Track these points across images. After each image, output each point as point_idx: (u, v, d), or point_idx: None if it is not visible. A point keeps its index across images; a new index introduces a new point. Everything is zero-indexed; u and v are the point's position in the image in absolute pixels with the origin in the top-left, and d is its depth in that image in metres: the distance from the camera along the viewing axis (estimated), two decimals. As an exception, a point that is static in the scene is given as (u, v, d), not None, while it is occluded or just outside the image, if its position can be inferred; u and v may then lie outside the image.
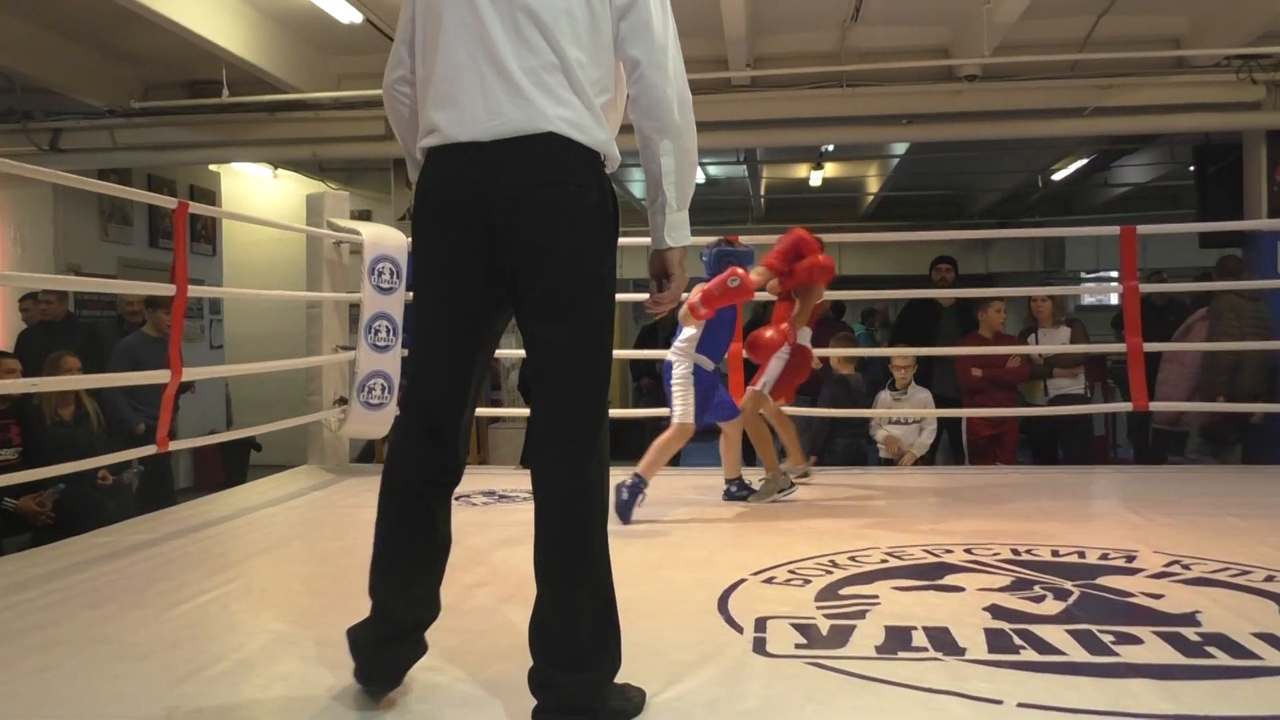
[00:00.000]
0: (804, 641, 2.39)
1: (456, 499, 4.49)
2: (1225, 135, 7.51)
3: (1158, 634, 2.38)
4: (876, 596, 2.76)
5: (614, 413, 6.71)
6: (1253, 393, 5.83)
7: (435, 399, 1.99)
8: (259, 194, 10.41)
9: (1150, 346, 5.15)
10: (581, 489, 1.93)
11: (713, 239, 4.30)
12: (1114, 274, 12.63)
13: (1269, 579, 2.89)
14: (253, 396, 9.27)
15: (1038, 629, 2.43)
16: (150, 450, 4.29)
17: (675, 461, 7.82)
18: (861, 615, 2.57)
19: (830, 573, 3.04)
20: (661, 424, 7.89)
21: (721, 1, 5.70)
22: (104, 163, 7.76)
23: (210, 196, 9.52)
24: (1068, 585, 2.84)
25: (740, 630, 2.48)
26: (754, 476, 4.41)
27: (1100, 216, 12.58)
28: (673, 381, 4.12)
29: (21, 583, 3.03)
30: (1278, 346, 5.74)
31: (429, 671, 2.20)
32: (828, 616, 2.57)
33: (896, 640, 2.37)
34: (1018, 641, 2.34)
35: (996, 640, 2.35)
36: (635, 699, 1.99)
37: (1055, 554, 3.26)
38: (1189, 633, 2.39)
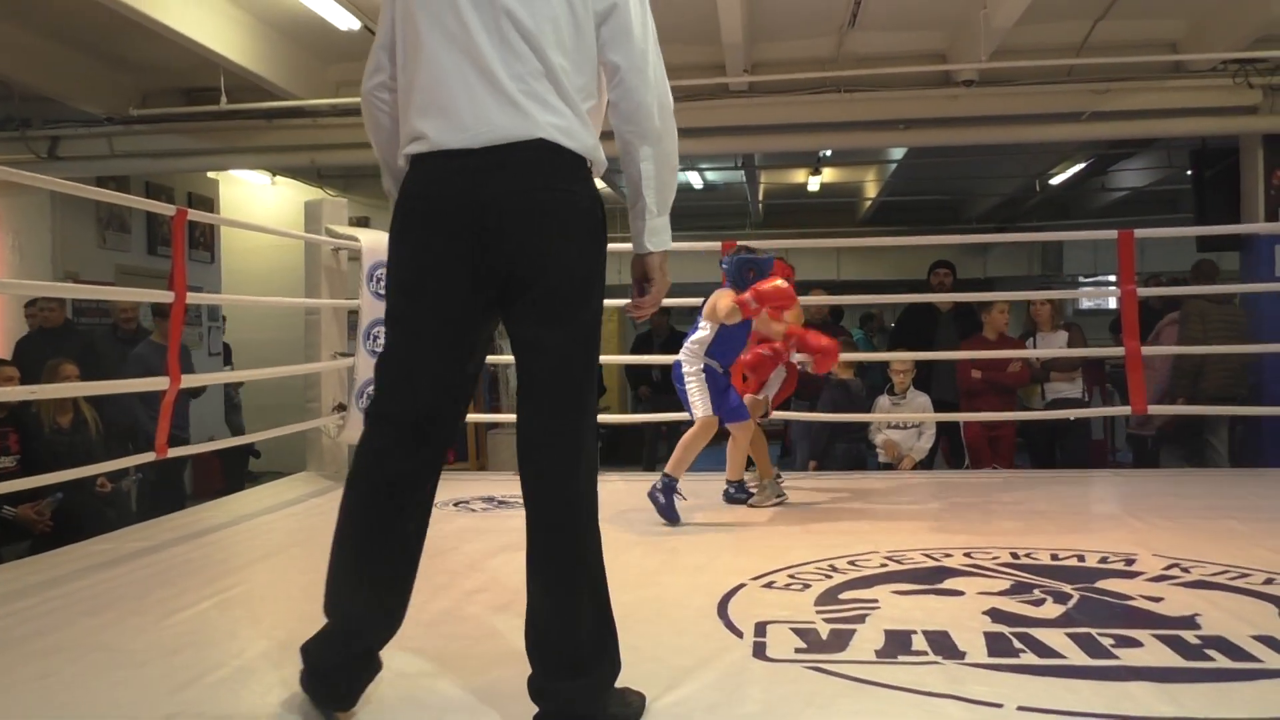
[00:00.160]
0: (804, 646, 2.39)
1: (455, 505, 4.50)
2: (1222, 139, 7.52)
3: (1157, 637, 2.38)
4: (876, 601, 2.76)
5: (614, 418, 6.70)
6: (1220, 396, 5.84)
7: (425, 409, 1.95)
8: (257, 201, 10.42)
9: (1148, 350, 5.16)
10: (576, 493, 1.93)
11: (703, 245, 4.32)
12: (1112, 278, 12.64)
13: (1268, 582, 2.90)
14: (251, 403, 9.27)
15: (1037, 632, 2.43)
16: (149, 457, 4.28)
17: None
18: (861, 619, 2.57)
19: (830, 577, 3.05)
20: (661, 430, 7.92)
21: (719, 7, 5.71)
22: (102, 170, 7.76)
23: (209, 204, 9.52)
24: (1067, 589, 2.84)
25: (740, 635, 2.48)
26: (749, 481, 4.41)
27: (1098, 221, 12.59)
28: (686, 380, 4.10)
29: (20, 590, 3.02)
30: (1244, 350, 5.77)
31: (428, 677, 2.20)
32: (827, 621, 2.57)
33: (896, 644, 2.37)
34: (1017, 645, 2.34)
35: (996, 644, 2.35)
36: (635, 703, 1.98)
37: (1055, 558, 3.26)
38: (1188, 635, 2.39)
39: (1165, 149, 10.26)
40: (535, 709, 1.91)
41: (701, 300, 4.21)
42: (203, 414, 8.61)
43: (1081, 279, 15.17)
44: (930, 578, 3.01)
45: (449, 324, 1.94)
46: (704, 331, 4.10)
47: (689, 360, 4.12)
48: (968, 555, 3.30)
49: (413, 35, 1.94)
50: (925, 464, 5.73)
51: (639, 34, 1.99)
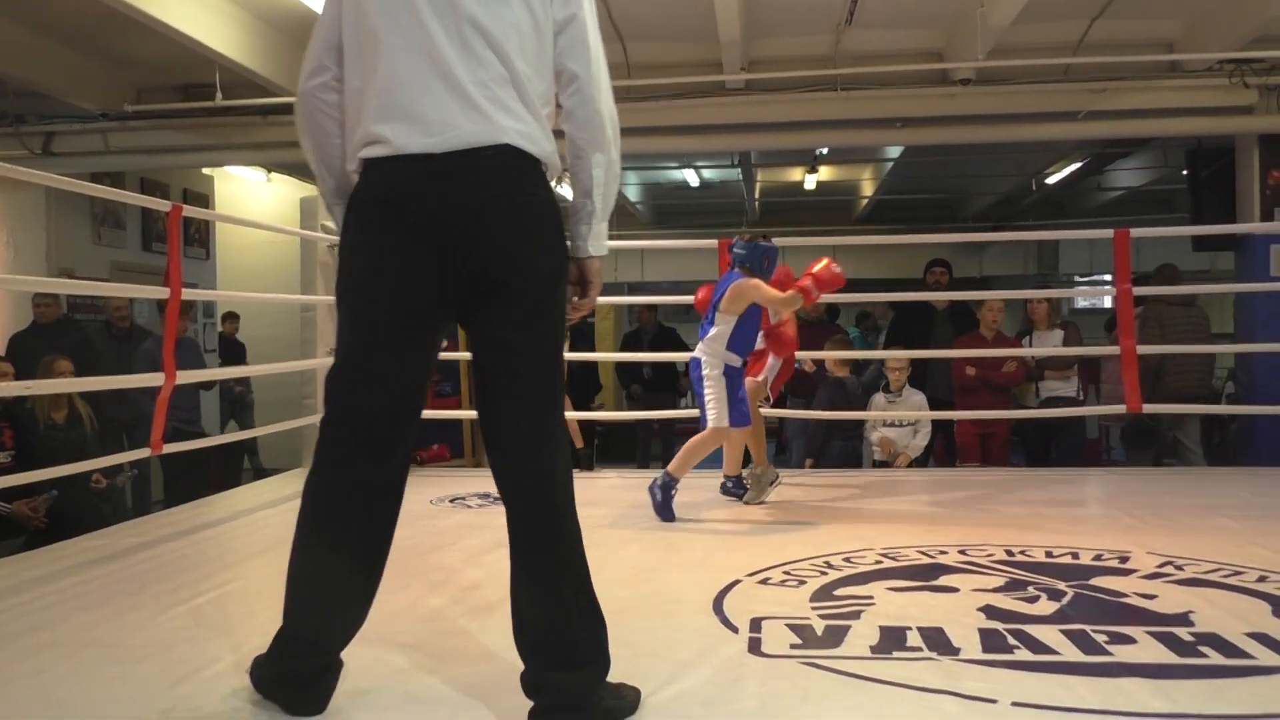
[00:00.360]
0: (799, 642, 2.39)
1: (451, 501, 4.50)
2: (1218, 139, 7.53)
3: (1151, 634, 2.39)
4: (871, 597, 2.77)
5: (608, 416, 6.68)
6: (1184, 395, 5.86)
7: (390, 414, 1.96)
8: (252, 197, 10.39)
9: (1143, 349, 5.17)
10: (554, 487, 1.96)
11: (700, 243, 4.31)
12: (1107, 277, 12.66)
13: (1261, 579, 2.91)
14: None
15: (1032, 629, 2.43)
16: (144, 453, 4.28)
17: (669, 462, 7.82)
18: (856, 615, 2.58)
19: (825, 574, 3.05)
20: (654, 427, 7.91)
21: (716, 4, 5.71)
22: (97, 166, 7.73)
23: (204, 200, 9.50)
24: (1061, 586, 2.85)
25: (736, 631, 2.48)
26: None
27: (1094, 220, 12.62)
28: (705, 384, 4.04)
29: (15, 586, 3.02)
30: (1203, 350, 5.80)
31: (424, 672, 2.20)
32: (823, 617, 2.58)
33: (891, 640, 2.37)
34: (1012, 641, 2.35)
35: (991, 640, 2.36)
36: (630, 698, 1.99)
37: (1049, 555, 3.27)
38: (1182, 632, 2.40)
39: (1161, 148, 10.28)
40: (529, 704, 1.92)
41: (709, 296, 4.19)
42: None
43: (1077, 278, 15.20)
44: (925, 574, 3.02)
45: (411, 328, 1.94)
46: (722, 326, 4.06)
47: (711, 361, 4.05)
48: (963, 552, 3.31)
49: (367, 38, 1.92)
50: (921, 461, 5.74)
51: (594, 45, 2.03)
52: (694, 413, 5.35)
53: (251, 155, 8.38)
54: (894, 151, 10.42)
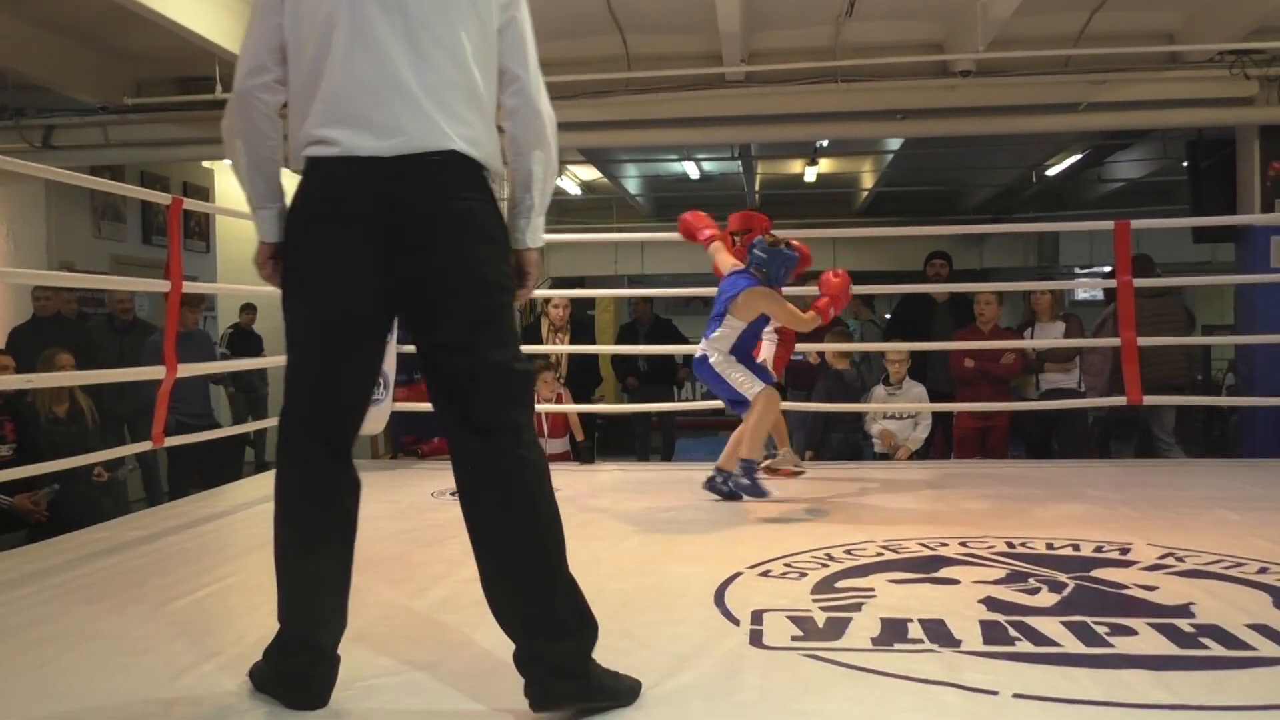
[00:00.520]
0: (800, 634, 2.39)
1: (451, 495, 4.51)
2: (1218, 130, 7.52)
3: (1152, 625, 2.39)
4: (872, 589, 2.77)
5: (607, 409, 6.66)
6: (1163, 386, 5.83)
7: (344, 414, 2.03)
8: (252, 190, 10.36)
9: (1144, 341, 5.16)
10: (535, 474, 1.99)
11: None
12: (1107, 269, 12.66)
13: (1262, 571, 2.91)
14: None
15: (1033, 621, 2.44)
16: (145, 446, 4.28)
17: (670, 456, 7.83)
18: (857, 608, 2.58)
19: (826, 566, 3.05)
20: (652, 420, 7.89)
21: (716, -3, 5.70)
22: (97, 160, 7.72)
23: (204, 193, 9.49)
24: (1062, 578, 2.85)
25: (737, 623, 2.49)
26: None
27: (1094, 212, 12.59)
28: (724, 369, 4.04)
29: (17, 579, 3.03)
30: (1183, 341, 5.82)
31: (429, 664, 2.21)
32: (824, 609, 2.58)
33: (892, 632, 2.38)
34: (1013, 633, 2.35)
35: (992, 632, 2.36)
36: (626, 684, 2.00)
37: (1050, 547, 3.28)
38: (1183, 624, 2.40)
39: (1161, 140, 10.27)
40: (517, 694, 1.92)
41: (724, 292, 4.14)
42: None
43: (1077, 270, 15.18)
44: (926, 566, 3.02)
45: (361, 329, 1.99)
46: (729, 330, 4.05)
47: (716, 352, 4.06)
48: (963, 544, 3.31)
49: (315, 41, 1.93)
50: (921, 454, 5.74)
51: (532, 45, 2.10)
52: (695, 405, 5.35)
53: (251, 148, 8.35)
54: (894, 143, 10.41)
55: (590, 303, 13.40)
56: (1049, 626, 2.39)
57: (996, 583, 2.81)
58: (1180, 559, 3.07)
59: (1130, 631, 2.34)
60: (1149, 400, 5.26)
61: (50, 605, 2.77)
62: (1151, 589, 2.73)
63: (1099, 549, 3.23)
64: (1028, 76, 6.85)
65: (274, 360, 5.48)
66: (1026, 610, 2.54)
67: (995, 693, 1.99)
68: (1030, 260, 14.99)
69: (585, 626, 1.97)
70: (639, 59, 6.92)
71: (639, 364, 7.81)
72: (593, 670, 1.94)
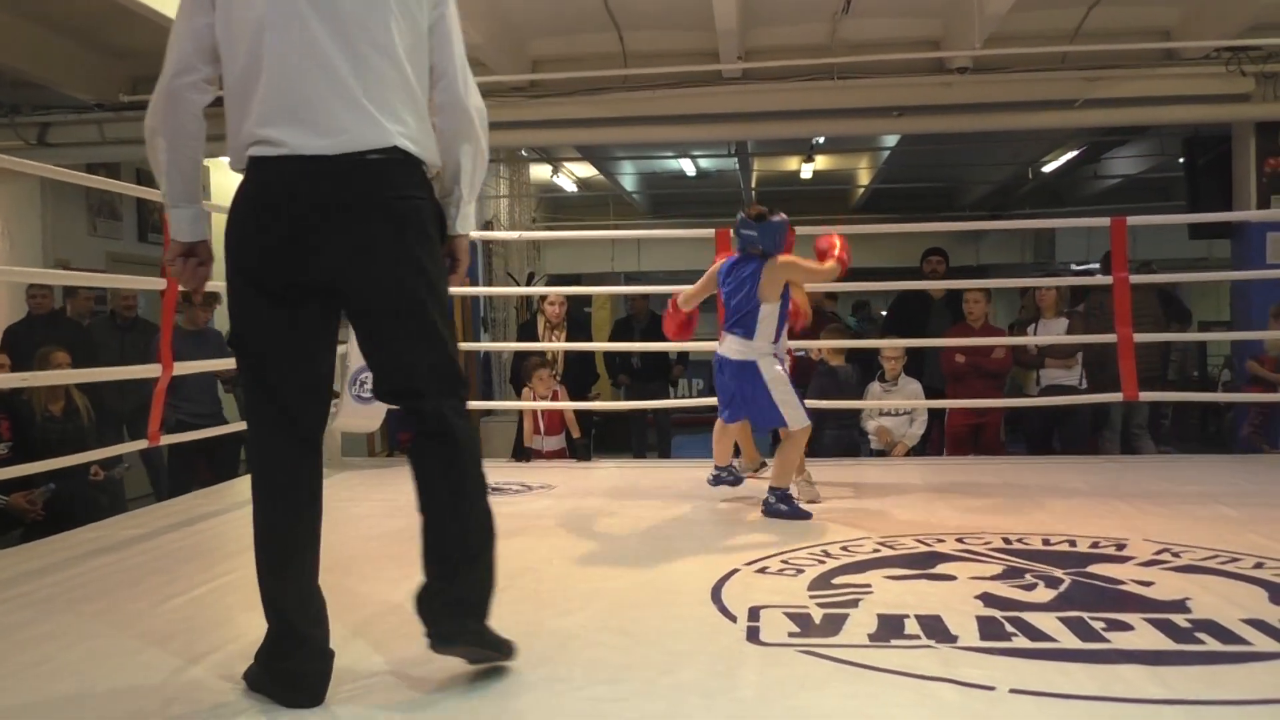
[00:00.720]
0: (797, 630, 2.40)
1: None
2: (1214, 127, 7.54)
3: (1148, 620, 2.39)
4: (869, 585, 2.77)
5: (603, 406, 6.61)
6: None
7: (309, 406, 2.06)
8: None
9: (1140, 337, 5.17)
10: (471, 452, 2.10)
11: (696, 232, 4.21)
12: (1085, 266, 12.71)
13: (1258, 566, 2.91)
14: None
15: (1029, 616, 2.44)
16: (141, 444, 4.28)
17: (667, 454, 7.83)
18: (854, 604, 2.58)
19: (823, 562, 3.06)
20: (648, 417, 7.87)
21: (712, -6, 5.71)
22: (92, 157, 7.72)
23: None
24: (1059, 573, 2.85)
25: (734, 620, 2.49)
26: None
27: (1090, 208, 12.61)
28: (773, 386, 3.77)
29: (13, 578, 3.02)
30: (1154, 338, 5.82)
31: (426, 661, 2.20)
32: (821, 605, 2.59)
33: (889, 628, 2.38)
34: (1009, 629, 2.35)
35: (988, 628, 2.36)
36: (508, 642, 2.10)
37: (1046, 543, 3.28)
38: (1179, 619, 2.41)
39: (1158, 137, 10.29)
40: (532, 695, 1.92)
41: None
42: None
43: (1074, 266, 15.20)
44: (923, 563, 3.03)
45: (308, 323, 2.04)
46: (766, 321, 3.80)
47: (767, 357, 3.80)
48: (960, 540, 3.32)
49: (249, 40, 1.96)
50: (917, 450, 5.75)
51: (459, 42, 2.18)
52: (691, 402, 5.29)
53: (247, 146, 8.34)
54: (891, 140, 10.42)
55: (587, 300, 13.42)
56: (1045, 622, 2.39)
57: (993, 579, 2.82)
58: (1176, 554, 3.08)
59: (1126, 627, 2.35)
60: (1145, 396, 5.26)
61: (47, 604, 2.77)
62: (1147, 584, 2.73)
63: (1095, 545, 3.23)
64: (1024, 73, 6.85)
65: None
66: (1023, 606, 2.54)
67: (992, 688, 1.99)
68: (1027, 257, 15.01)
69: (491, 566, 2.10)
70: (635, 56, 6.92)
71: (633, 361, 7.80)
72: (488, 606, 2.07)
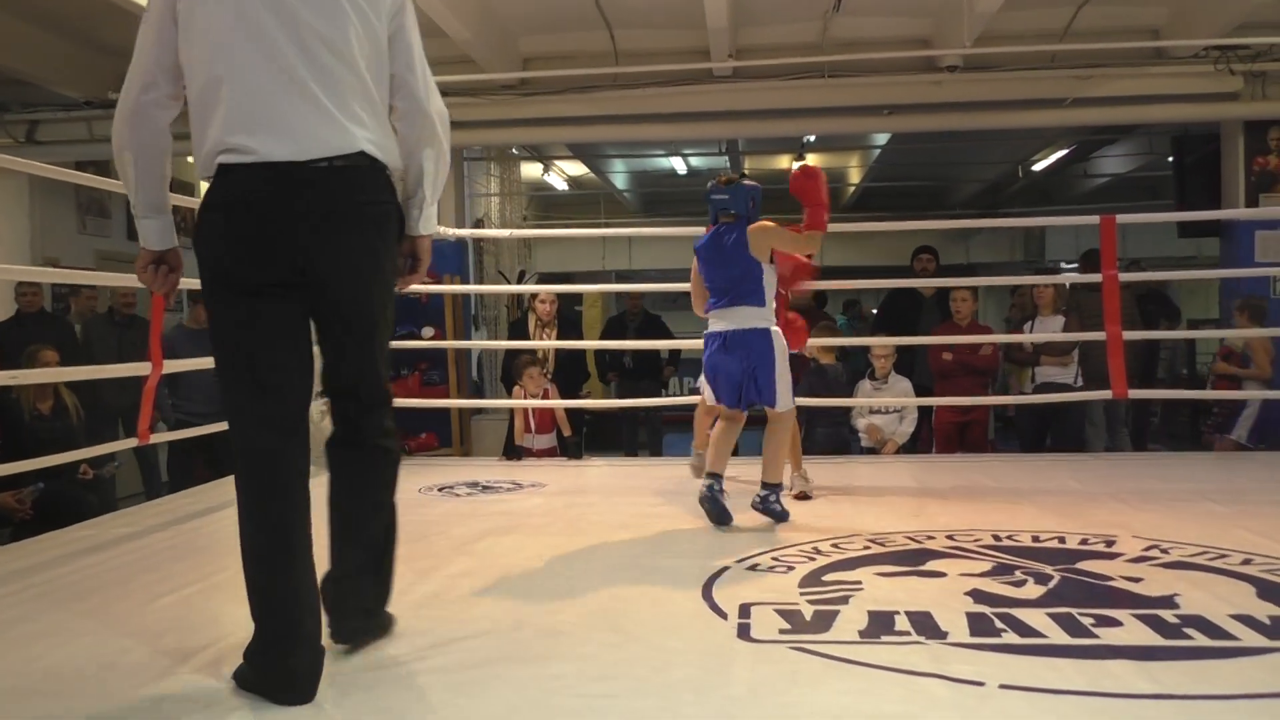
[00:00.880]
0: (788, 627, 2.40)
1: (440, 490, 4.52)
2: (1203, 126, 7.56)
3: (1137, 616, 2.41)
4: (859, 582, 2.78)
5: (595, 404, 6.59)
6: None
7: (295, 402, 2.12)
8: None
9: (1129, 335, 5.19)
10: (398, 465, 2.33)
11: (687, 230, 4.14)
12: (1068, 264, 12.74)
13: (1245, 562, 2.93)
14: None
15: (1019, 612, 2.45)
16: (131, 443, 4.27)
17: (658, 451, 7.83)
18: (845, 600, 2.59)
19: (814, 559, 3.06)
20: (639, 415, 7.86)
21: (703, -8, 5.71)
22: (81, 155, 7.67)
23: (189, 189, 9.42)
24: (1048, 570, 2.86)
25: (725, 616, 2.49)
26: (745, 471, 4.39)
27: (1080, 207, 12.65)
28: (780, 359, 3.60)
29: (3, 576, 3.02)
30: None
31: (417, 660, 2.21)
32: (811, 602, 2.59)
33: (879, 625, 2.39)
34: (999, 625, 2.36)
35: (978, 624, 2.37)
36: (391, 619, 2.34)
37: (1036, 539, 3.29)
38: (1167, 615, 2.42)
39: (1147, 135, 10.32)
40: (523, 690, 1.92)
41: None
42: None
43: (1064, 264, 15.24)
44: (913, 559, 3.04)
45: (291, 316, 2.10)
46: (767, 273, 3.60)
47: (776, 327, 3.62)
48: (950, 537, 3.33)
49: (212, 52, 2.03)
50: (908, 448, 5.76)
51: (419, 50, 2.25)
52: (682, 400, 5.27)
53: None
54: (881, 139, 10.43)
55: (578, 298, 13.40)
56: (1035, 618, 2.40)
57: (983, 575, 2.83)
58: (1165, 551, 3.09)
59: (1115, 623, 2.36)
60: (1134, 394, 5.28)
61: (36, 603, 2.76)
62: (1136, 580, 2.74)
63: (1084, 541, 3.25)
64: (1014, 72, 6.87)
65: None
66: (1012, 602, 2.55)
67: (981, 684, 2.00)
68: (1017, 255, 15.05)
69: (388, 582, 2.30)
70: (626, 54, 6.92)
71: (624, 360, 7.80)
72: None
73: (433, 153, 2.27)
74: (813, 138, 10.16)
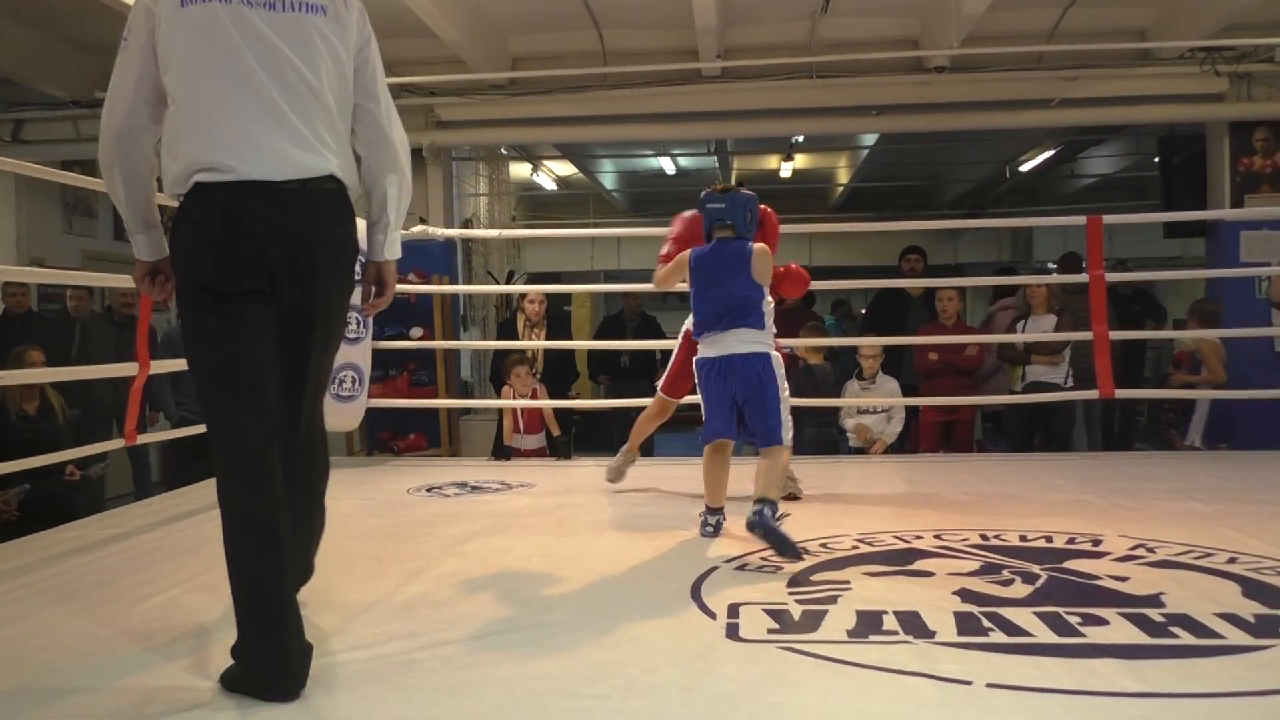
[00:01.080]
0: (776, 627, 2.41)
1: (428, 491, 4.51)
2: (1189, 127, 7.60)
3: (1123, 615, 2.42)
4: (848, 582, 2.79)
5: (585, 404, 6.59)
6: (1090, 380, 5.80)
7: (274, 405, 2.17)
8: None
9: (1115, 335, 5.22)
10: (319, 436, 2.44)
11: None
12: (1082, 262, 12.74)
13: (1231, 561, 2.95)
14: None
15: (1006, 612, 2.46)
16: (119, 444, 4.25)
17: (649, 451, 7.84)
18: (833, 600, 2.60)
19: (802, 559, 3.07)
20: (631, 417, 7.84)
21: (692, -8, 5.71)
22: (67, 154, 7.62)
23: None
24: (1035, 569, 2.88)
25: (713, 617, 2.50)
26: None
27: (1067, 207, 12.69)
28: (783, 391, 3.37)
29: (-11, 577, 3.00)
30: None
31: (407, 661, 2.20)
32: (800, 602, 2.60)
33: (868, 624, 2.39)
34: (986, 624, 2.37)
35: (966, 623, 2.38)
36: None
37: (1023, 539, 3.31)
38: (1154, 614, 2.43)
39: (1133, 136, 10.37)
40: (511, 694, 1.92)
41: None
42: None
43: (1051, 265, 15.30)
44: (901, 559, 3.05)
45: (267, 324, 2.17)
46: (768, 301, 3.40)
47: (775, 353, 3.39)
48: (938, 537, 3.34)
49: (189, 76, 2.13)
50: (895, 448, 5.77)
51: (383, 81, 2.38)
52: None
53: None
54: (869, 139, 10.45)
55: (566, 298, 13.40)
56: (1022, 617, 2.41)
57: (970, 575, 2.84)
58: (1151, 550, 3.11)
59: (1102, 621, 2.37)
60: (1120, 394, 5.31)
61: (21, 604, 2.75)
62: (1123, 579, 2.76)
63: (1071, 540, 3.26)
64: (1001, 72, 6.89)
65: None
66: (1000, 601, 2.56)
67: (969, 683, 2.01)
68: (1004, 255, 15.09)
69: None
70: (615, 54, 6.93)
71: (621, 360, 7.78)
72: None
73: (395, 178, 2.38)
74: (801, 138, 10.18)
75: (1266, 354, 6.67)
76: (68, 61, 7.02)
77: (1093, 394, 5.26)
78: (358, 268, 2.41)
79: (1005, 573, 2.85)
